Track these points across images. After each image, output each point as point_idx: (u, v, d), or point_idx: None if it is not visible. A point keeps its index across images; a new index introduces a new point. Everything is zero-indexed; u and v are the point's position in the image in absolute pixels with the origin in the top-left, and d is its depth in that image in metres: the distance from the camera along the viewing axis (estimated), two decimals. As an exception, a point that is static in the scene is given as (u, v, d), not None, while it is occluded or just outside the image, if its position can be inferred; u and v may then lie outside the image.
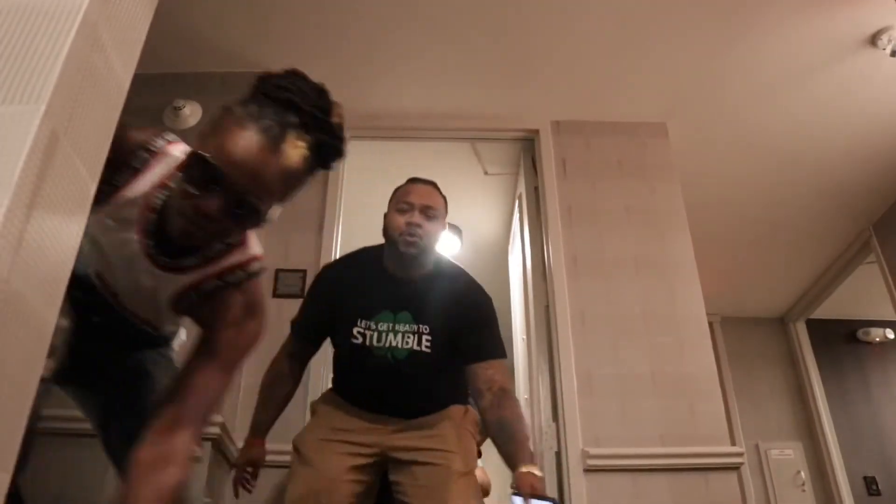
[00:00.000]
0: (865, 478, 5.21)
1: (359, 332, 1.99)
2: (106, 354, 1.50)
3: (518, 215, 3.83)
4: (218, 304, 1.31)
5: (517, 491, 1.63)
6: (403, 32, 3.07)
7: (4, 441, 0.71)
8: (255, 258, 1.35)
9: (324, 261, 3.03)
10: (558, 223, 3.29)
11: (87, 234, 0.94)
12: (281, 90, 1.15)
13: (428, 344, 1.98)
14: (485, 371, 1.92)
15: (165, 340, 1.60)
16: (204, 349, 1.30)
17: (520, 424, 1.82)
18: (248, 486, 2.06)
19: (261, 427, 2.09)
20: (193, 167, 1.13)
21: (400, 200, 2.03)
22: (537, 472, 1.68)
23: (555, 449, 2.89)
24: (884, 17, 2.96)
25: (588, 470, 2.75)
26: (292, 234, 3.17)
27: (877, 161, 3.89)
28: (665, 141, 3.57)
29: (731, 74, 3.30)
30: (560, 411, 2.91)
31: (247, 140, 1.11)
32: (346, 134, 1.23)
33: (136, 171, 1.24)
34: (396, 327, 1.99)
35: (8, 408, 0.71)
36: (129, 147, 1.24)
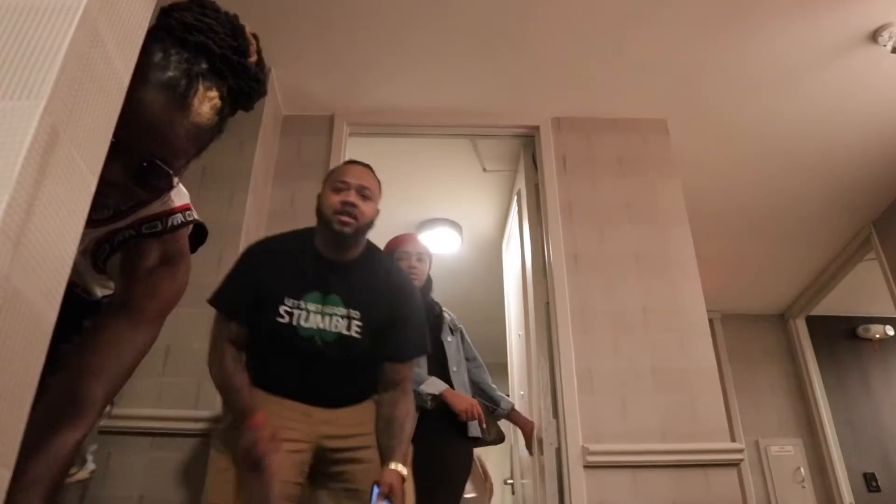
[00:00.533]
0: (865, 474, 5.22)
1: (285, 311, 1.92)
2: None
3: (517, 212, 3.83)
4: (132, 255, 1.18)
5: (379, 484, 1.78)
6: (403, 29, 3.07)
7: (5, 438, 0.71)
8: (176, 210, 1.22)
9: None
10: (559, 220, 3.29)
11: None
12: (188, 30, 0.98)
13: (358, 330, 1.95)
14: (398, 371, 2.01)
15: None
16: (118, 303, 1.17)
17: (405, 425, 1.94)
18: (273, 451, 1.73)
19: (250, 407, 1.82)
20: None
21: (336, 180, 2.02)
22: (403, 472, 1.82)
23: (555, 445, 2.89)
24: (884, 13, 2.96)
25: (588, 466, 2.75)
26: (292, 231, 3.17)
27: (877, 157, 3.88)
28: (665, 137, 3.56)
29: (731, 72, 3.29)
30: (560, 408, 2.91)
31: (149, 97, 0.93)
32: (267, 69, 1.09)
33: None
34: (325, 310, 1.95)
35: (9, 404, 0.71)
36: None
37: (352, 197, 1.96)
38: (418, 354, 2.08)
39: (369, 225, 2.02)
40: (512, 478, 3.86)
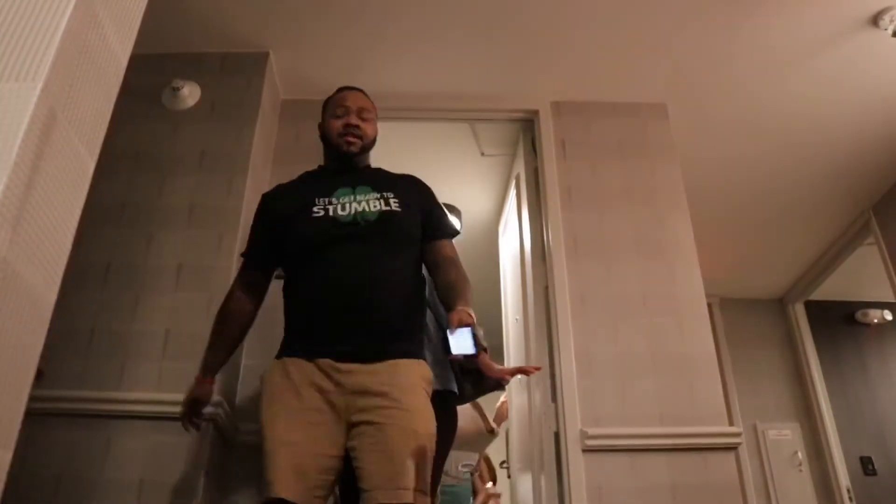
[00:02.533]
0: (862, 458, 5.24)
1: (319, 208, 1.97)
2: None
3: (515, 196, 3.83)
4: None
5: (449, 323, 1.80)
6: (402, 12, 3.05)
7: (5, 419, 0.72)
8: None
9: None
10: (558, 204, 3.28)
11: None
12: None
13: (397, 203, 2.00)
14: (443, 248, 2.06)
15: None
16: None
17: (463, 283, 1.95)
18: (194, 422, 2.05)
19: (209, 367, 2.02)
20: None
21: (336, 106, 2.14)
22: (469, 311, 1.81)
23: (553, 429, 2.90)
24: (886, -4, 2.95)
25: (587, 450, 2.76)
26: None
27: (877, 142, 3.87)
28: (665, 122, 3.55)
29: (732, 55, 3.28)
30: (559, 392, 2.92)
31: None
32: None
33: None
34: (358, 197, 2.00)
35: (8, 386, 0.72)
36: None
37: (353, 119, 2.10)
38: (455, 234, 2.13)
39: (372, 143, 2.16)
40: (507, 461, 3.88)
